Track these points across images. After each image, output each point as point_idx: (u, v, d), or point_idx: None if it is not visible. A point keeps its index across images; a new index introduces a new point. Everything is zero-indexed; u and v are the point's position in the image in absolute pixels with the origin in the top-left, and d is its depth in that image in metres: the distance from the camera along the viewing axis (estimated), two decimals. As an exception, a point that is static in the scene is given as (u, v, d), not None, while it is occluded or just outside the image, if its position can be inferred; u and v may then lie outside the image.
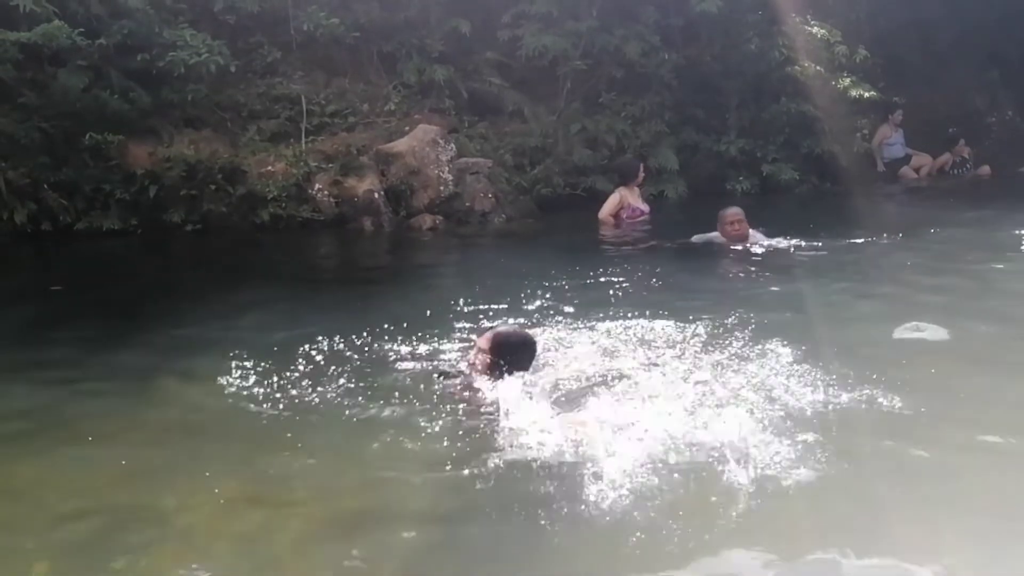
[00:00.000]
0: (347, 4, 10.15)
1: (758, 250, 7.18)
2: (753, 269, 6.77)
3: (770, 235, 7.43)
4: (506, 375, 3.89)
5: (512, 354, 3.97)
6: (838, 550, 2.68)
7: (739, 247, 7.23)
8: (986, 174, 12.69)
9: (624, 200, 8.89)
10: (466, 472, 3.17)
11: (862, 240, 7.53)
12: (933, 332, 4.61)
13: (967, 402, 3.82)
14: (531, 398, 3.70)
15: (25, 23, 8.14)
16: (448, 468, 3.20)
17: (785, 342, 4.40)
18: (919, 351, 4.45)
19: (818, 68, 11.05)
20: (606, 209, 8.86)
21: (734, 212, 7.37)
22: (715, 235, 7.39)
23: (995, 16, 13.13)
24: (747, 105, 11.27)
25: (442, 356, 4.47)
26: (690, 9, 10.69)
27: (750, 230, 7.31)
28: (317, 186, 8.92)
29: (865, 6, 12.57)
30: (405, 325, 4.81)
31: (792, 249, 7.19)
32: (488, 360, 3.96)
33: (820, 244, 7.28)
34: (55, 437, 3.70)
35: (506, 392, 3.72)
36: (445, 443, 3.41)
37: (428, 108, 10.19)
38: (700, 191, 10.56)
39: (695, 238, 7.51)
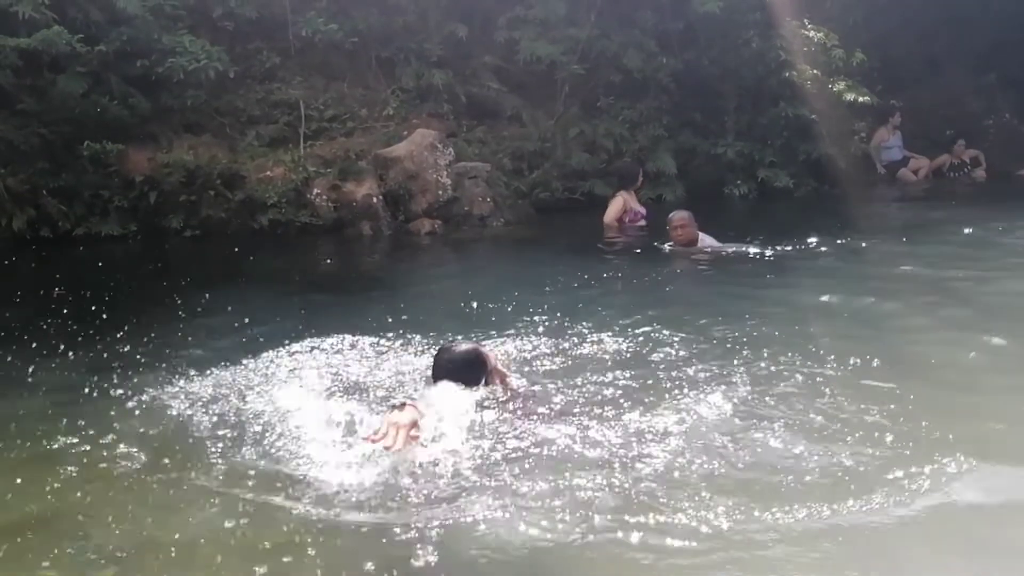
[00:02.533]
0: (345, 10, 10.18)
1: (703, 255, 7.16)
2: (684, 276, 6.75)
3: (735, 240, 7.40)
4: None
5: None
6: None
7: (687, 252, 7.20)
8: (981, 177, 12.72)
9: (627, 204, 8.93)
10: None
11: (825, 243, 7.48)
12: None
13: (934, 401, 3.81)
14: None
15: (24, 29, 8.17)
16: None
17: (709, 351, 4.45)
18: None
19: (815, 72, 11.08)
20: (611, 213, 8.87)
21: (678, 218, 7.32)
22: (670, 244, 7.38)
23: (992, 19, 13.17)
24: (745, 109, 11.30)
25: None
26: (691, 12, 10.73)
27: (700, 234, 7.27)
28: (316, 191, 8.94)
29: (862, 10, 12.60)
30: (400, 334, 4.81)
31: (738, 254, 7.16)
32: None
33: (770, 249, 7.23)
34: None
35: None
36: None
37: (426, 112, 10.22)
38: (699, 195, 10.58)
39: (666, 245, 7.49)
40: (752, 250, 7.19)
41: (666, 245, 7.35)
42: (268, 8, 9.87)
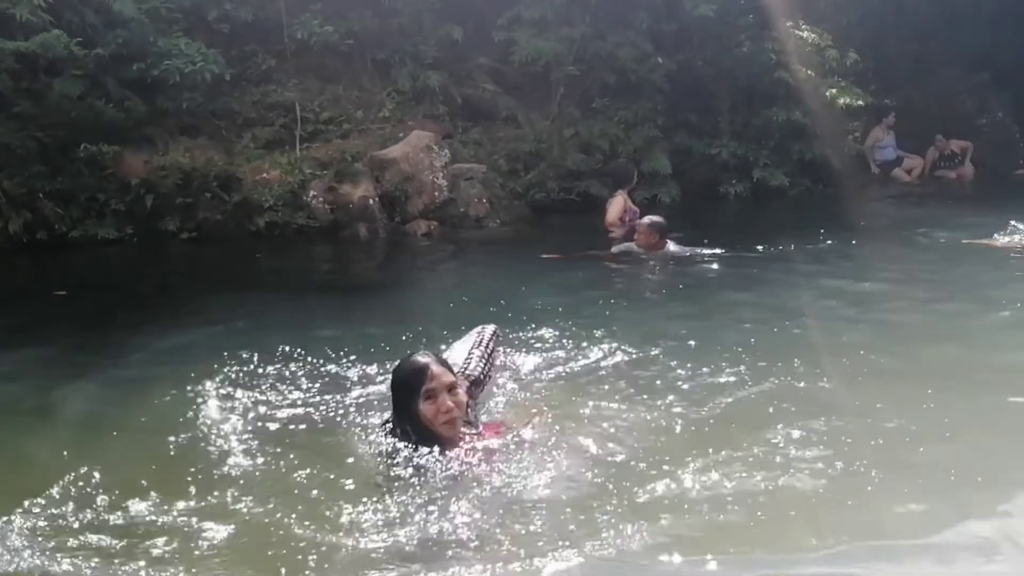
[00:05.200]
0: (341, 12, 10.19)
1: (666, 258, 7.28)
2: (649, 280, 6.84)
3: (692, 245, 7.49)
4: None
5: None
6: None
7: (650, 255, 7.31)
8: (968, 175, 12.75)
9: (627, 203, 8.98)
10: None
11: (806, 244, 7.57)
12: None
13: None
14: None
15: (21, 33, 8.17)
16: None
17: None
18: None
19: (809, 72, 11.11)
20: (613, 213, 8.90)
21: (639, 223, 7.53)
22: (632, 244, 7.51)
23: (985, 18, 13.22)
24: (739, 109, 11.33)
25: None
26: (684, 14, 10.77)
27: (668, 243, 7.38)
28: (312, 193, 8.96)
29: (855, 10, 12.64)
30: (398, 336, 4.83)
31: (700, 256, 7.26)
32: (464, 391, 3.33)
33: (730, 251, 7.31)
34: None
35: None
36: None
37: (422, 114, 10.24)
38: (694, 195, 10.63)
39: (614, 248, 7.62)
40: (708, 252, 7.33)
41: (635, 248, 7.45)
42: (263, 10, 9.87)
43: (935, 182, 12.62)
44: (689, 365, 4.33)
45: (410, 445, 3.19)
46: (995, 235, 7.41)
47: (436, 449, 3.13)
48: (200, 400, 4.06)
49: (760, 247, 7.48)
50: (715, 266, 7.04)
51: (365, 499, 2.99)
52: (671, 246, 7.40)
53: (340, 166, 9.11)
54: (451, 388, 3.18)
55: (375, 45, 10.43)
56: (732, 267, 6.98)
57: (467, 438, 3.24)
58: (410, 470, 3.11)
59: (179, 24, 9.39)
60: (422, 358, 3.24)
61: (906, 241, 7.87)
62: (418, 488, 3.01)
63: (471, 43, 10.70)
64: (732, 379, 4.14)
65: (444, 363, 3.28)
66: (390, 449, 3.24)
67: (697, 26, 10.99)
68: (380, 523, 2.85)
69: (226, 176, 8.81)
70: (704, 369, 4.26)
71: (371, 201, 8.94)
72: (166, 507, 3.05)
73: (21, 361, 4.87)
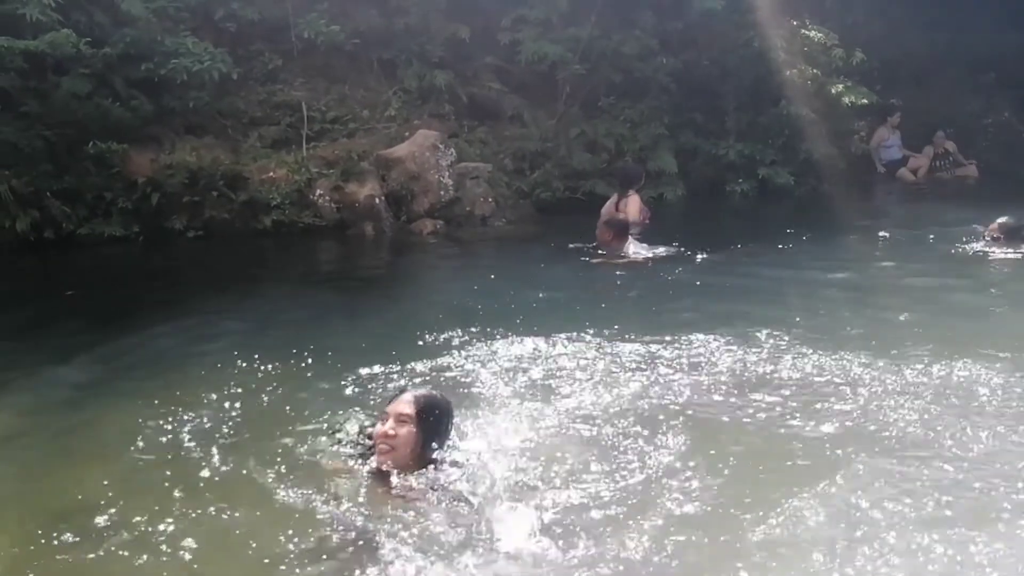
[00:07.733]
0: (347, 11, 10.21)
1: (625, 258, 7.38)
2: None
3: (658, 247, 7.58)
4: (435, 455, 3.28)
5: (442, 425, 3.34)
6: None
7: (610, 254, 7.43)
8: (971, 175, 12.70)
9: (641, 203, 9.02)
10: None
11: (795, 244, 7.66)
12: None
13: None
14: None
15: (30, 32, 8.20)
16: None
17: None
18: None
19: (815, 71, 11.10)
20: (634, 212, 8.91)
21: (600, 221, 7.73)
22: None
23: (990, 18, 13.20)
24: (745, 109, 11.33)
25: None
26: (690, 12, 10.78)
27: (630, 240, 7.51)
28: (318, 192, 8.97)
29: (861, 9, 12.64)
30: (402, 335, 4.84)
31: (663, 257, 7.37)
32: (415, 434, 3.24)
33: (701, 254, 7.37)
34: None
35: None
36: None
37: (428, 113, 10.25)
38: (699, 194, 10.63)
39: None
40: (664, 251, 7.47)
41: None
42: (270, 10, 9.88)
43: (939, 181, 12.60)
44: (683, 367, 4.36)
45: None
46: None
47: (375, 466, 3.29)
48: (201, 400, 4.08)
49: (739, 246, 7.49)
50: (701, 266, 7.09)
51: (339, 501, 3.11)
52: (632, 245, 7.44)
53: (346, 165, 9.13)
54: (399, 419, 3.26)
55: (381, 44, 10.45)
56: (722, 267, 7.01)
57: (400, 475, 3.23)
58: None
59: (186, 23, 9.41)
60: (410, 389, 3.46)
61: (906, 241, 7.87)
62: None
63: (477, 42, 10.72)
64: (731, 389, 4.18)
65: (426, 405, 3.30)
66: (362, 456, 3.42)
67: (703, 25, 11.00)
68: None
69: (233, 175, 8.83)
70: (698, 376, 4.29)
71: (377, 200, 8.95)
72: (151, 507, 3.09)
73: (25, 359, 4.90)
